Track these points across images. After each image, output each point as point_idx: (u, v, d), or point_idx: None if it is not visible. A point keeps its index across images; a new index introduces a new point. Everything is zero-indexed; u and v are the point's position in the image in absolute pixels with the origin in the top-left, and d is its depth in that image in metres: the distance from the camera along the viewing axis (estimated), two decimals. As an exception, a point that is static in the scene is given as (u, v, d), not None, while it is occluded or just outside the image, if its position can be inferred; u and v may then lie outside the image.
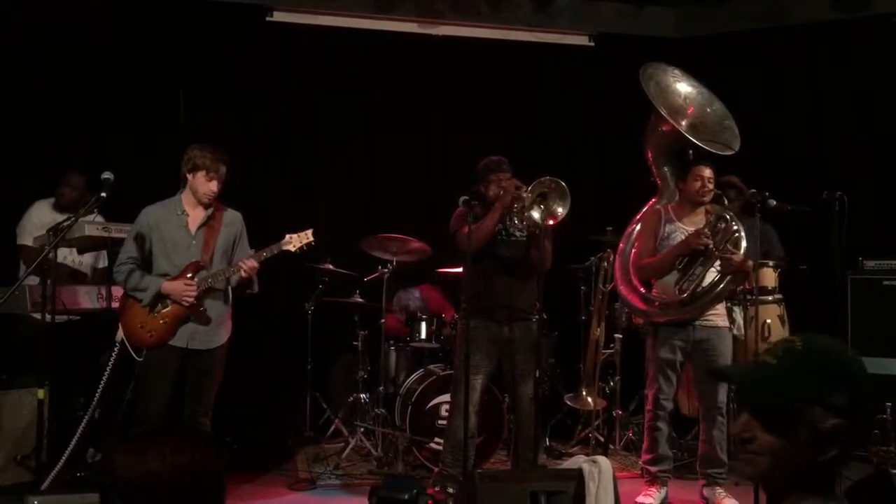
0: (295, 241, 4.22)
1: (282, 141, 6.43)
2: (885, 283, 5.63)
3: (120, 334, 4.12)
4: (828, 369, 1.48)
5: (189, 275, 4.09)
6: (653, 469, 4.65)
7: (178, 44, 6.13)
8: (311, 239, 4.25)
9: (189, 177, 4.17)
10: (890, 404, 4.92)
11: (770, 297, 5.53)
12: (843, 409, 1.43)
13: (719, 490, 4.57)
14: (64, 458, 4.20)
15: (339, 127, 6.64)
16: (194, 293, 4.05)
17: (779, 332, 5.54)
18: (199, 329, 4.11)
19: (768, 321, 5.46)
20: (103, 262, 5.22)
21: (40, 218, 5.22)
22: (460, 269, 5.02)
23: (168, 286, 4.05)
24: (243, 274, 4.09)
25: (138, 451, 1.54)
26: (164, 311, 4.08)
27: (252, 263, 4.10)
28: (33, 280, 4.39)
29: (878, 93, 6.16)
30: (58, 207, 5.29)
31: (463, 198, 4.42)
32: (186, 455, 1.54)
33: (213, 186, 4.16)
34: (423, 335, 5.63)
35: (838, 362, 1.50)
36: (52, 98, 5.86)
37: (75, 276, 5.28)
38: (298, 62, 6.52)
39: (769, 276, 5.55)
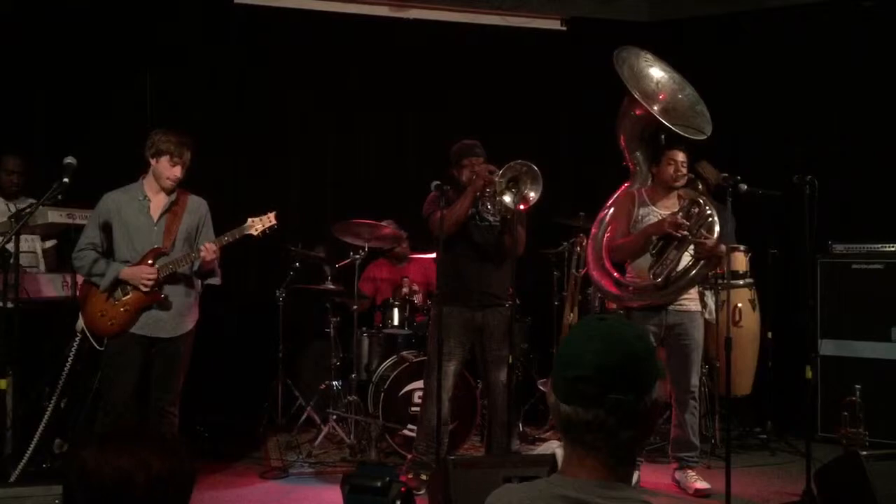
0: (257, 225, 4.15)
1: (250, 126, 6.33)
2: (854, 266, 5.68)
3: (80, 323, 4.04)
4: None
5: (150, 261, 4.01)
6: (625, 453, 4.65)
7: (144, 27, 6.00)
8: (274, 222, 4.18)
9: (152, 162, 4.08)
10: (859, 386, 4.98)
11: (741, 281, 5.57)
12: None
13: (691, 473, 4.59)
14: (30, 449, 4.13)
15: (308, 112, 6.55)
16: (154, 278, 3.96)
17: (750, 315, 5.59)
18: (164, 317, 4.04)
19: (739, 305, 5.50)
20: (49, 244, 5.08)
21: None
22: (433, 255, 4.99)
23: (127, 272, 3.97)
24: (203, 255, 4.00)
25: (114, 450, 1.48)
26: (124, 298, 4.00)
27: (211, 246, 4.01)
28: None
29: (850, 77, 6.20)
30: (5, 195, 5.08)
31: (435, 182, 4.38)
32: (164, 460, 1.48)
33: (177, 172, 4.08)
34: (396, 321, 5.60)
35: None
36: (16, 80, 5.71)
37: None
38: (266, 45, 6.42)
39: (740, 261, 5.59)
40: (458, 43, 6.67)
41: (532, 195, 4.32)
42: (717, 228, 4.46)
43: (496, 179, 4.35)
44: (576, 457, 1.44)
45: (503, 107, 6.61)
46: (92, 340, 4.00)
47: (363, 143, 6.63)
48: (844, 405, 5.00)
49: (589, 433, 1.40)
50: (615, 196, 5.02)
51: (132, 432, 1.58)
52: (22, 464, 4.04)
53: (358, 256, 5.52)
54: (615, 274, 4.75)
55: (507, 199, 4.35)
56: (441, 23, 6.68)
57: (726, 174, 4.51)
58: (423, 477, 4.44)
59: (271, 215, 4.18)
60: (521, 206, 4.34)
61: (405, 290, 5.75)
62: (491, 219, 4.63)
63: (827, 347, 5.60)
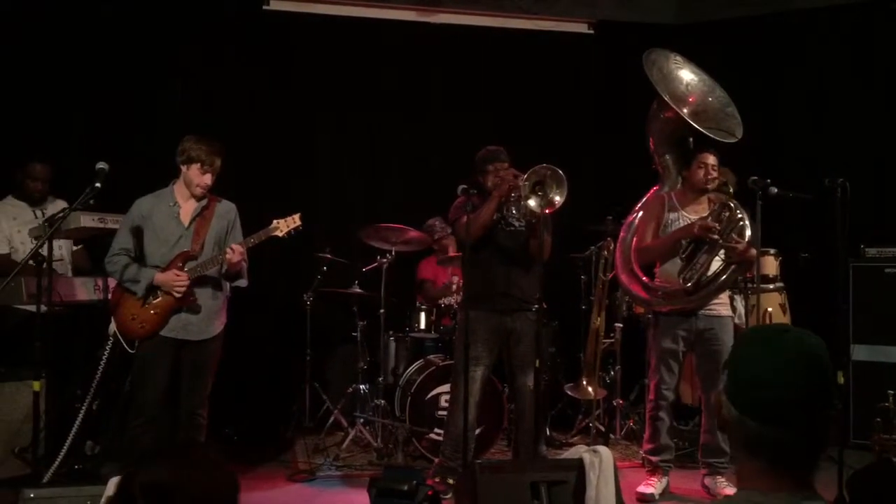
0: (283, 226, 4.17)
1: (280, 130, 6.38)
2: (887, 270, 5.61)
3: (112, 327, 4.09)
4: None
5: (180, 264, 4.05)
6: (654, 459, 4.63)
7: (176, 32, 6.08)
8: (299, 223, 4.20)
9: (183, 168, 4.12)
10: (892, 392, 4.89)
11: (771, 286, 5.50)
12: None
13: (721, 479, 4.55)
14: (63, 450, 4.18)
15: (336, 117, 6.59)
16: (185, 283, 4.01)
17: (780, 320, 5.53)
18: (193, 319, 4.08)
19: (769, 309, 5.43)
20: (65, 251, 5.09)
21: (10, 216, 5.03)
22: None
23: (160, 277, 4.02)
24: (229, 258, 4.03)
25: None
26: (154, 301, 4.04)
27: (237, 248, 4.04)
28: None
29: (880, 78, 6.12)
30: (31, 202, 5.08)
31: (461, 187, 4.39)
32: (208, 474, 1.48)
33: (207, 179, 4.12)
34: (423, 325, 5.61)
35: None
36: (46, 87, 5.80)
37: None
38: (296, 51, 6.46)
39: (770, 264, 5.52)
40: (484, 46, 6.68)
41: (557, 199, 4.30)
42: (748, 232, 4.42)
43: (521, 184, 4.34)
44: (761, 470, 1.42)
45: (530, 110, 6.60)
46: (123, 343, 4.04)
47: (390, 148, 6.64)
48: (877, 411, 4.92)
49: (777, 448, 1.40)
50: (644, 199, 4.99)
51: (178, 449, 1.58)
52: (55, 465, 4.10)
53: (385, 261, 5.54)
54: (644, 278, 4.72)
55: (533, 203, 4.34)
56: (468, 27, 6.69)
57: (756, 177, 4.47)
58: (450, 481, 4.43)
59: (296, 217, 4.20)
60: (547, 210, 4.33)
61: (454, 287, 5.75)
62: (516, 223, 4.62)
63: (859, 352, 5.52)
